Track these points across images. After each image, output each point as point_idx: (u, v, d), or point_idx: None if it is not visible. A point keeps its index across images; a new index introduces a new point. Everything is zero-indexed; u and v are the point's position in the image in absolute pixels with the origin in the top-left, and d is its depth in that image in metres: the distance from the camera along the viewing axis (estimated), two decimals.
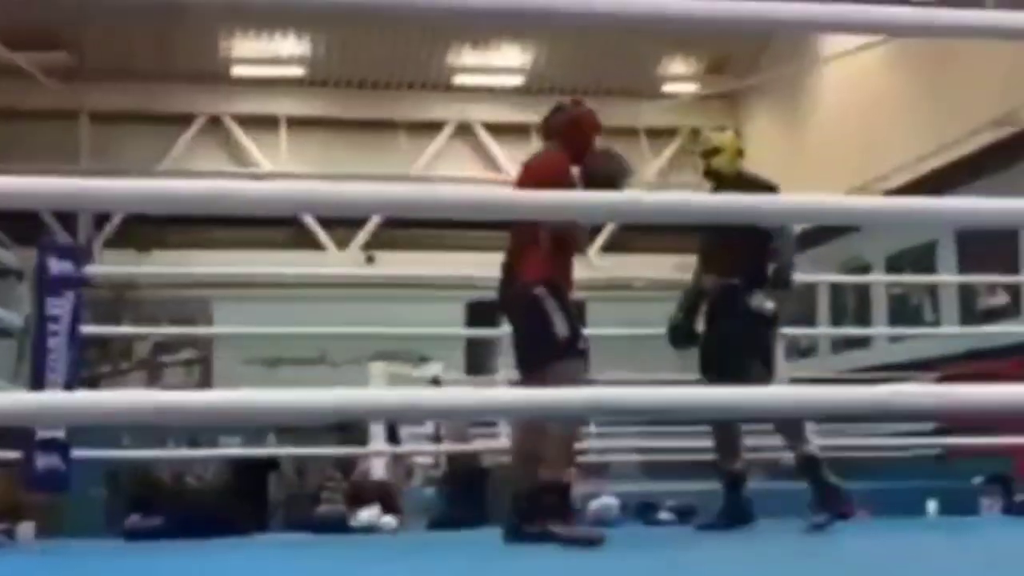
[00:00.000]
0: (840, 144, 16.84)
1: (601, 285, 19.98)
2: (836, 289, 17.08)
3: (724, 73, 20.53)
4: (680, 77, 21.36)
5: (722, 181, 6.77)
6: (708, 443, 6.95)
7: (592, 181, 5.73)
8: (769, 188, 6.65)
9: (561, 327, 5.68)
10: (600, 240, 21.12)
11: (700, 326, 6.90)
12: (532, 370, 5.74)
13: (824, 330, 16.46)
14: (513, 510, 5.89)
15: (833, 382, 10.94)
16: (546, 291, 5.71)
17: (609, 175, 5.76)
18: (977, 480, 8.66)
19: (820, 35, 16.09)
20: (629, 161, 5.98)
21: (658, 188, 20.14)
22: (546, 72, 20.79)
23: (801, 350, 17.01)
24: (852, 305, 17.03)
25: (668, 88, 21.31)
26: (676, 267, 20.33)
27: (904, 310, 15.49)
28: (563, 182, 5.61)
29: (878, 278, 15.48)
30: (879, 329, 15.78)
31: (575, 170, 5.81)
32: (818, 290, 16.68)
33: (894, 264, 15.54)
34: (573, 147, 5.86)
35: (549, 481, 5.61)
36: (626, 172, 5.88)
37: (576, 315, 5.90)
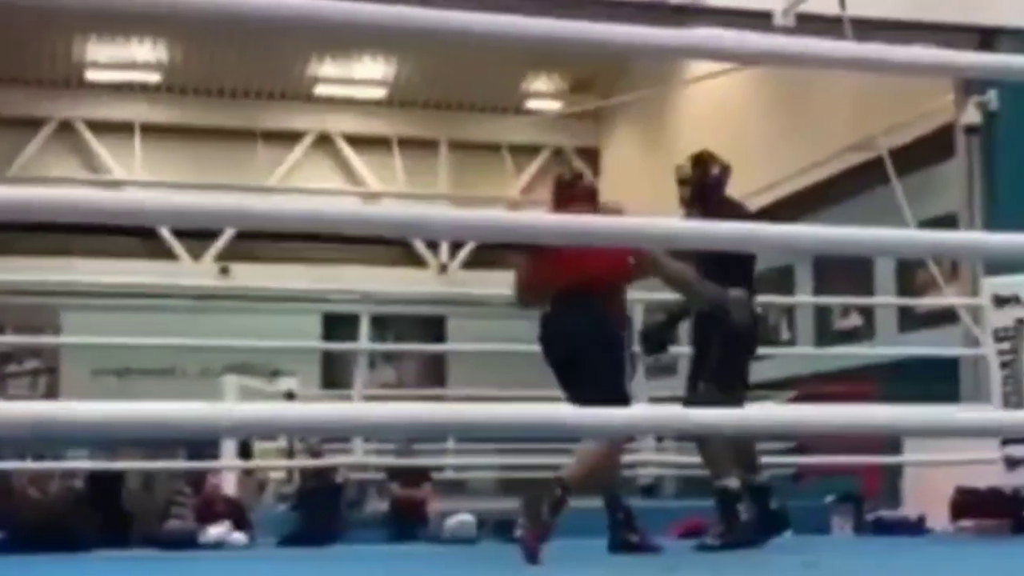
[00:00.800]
0: None
1: (460, 301, 19.99)
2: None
3: (588, 92, 20.68)
4: (544, 94, 21.47)
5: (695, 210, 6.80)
6: (563, 460, 6.89)
7: None
8: (750, 213, 6.87)
9: (626, 382, 5.77)
10: (461, 255, 21.11)
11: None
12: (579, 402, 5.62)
13: (686, 349, 16.64)
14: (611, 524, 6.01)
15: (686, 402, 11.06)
16: (623, 339, 5.83)
17: None
18: (829, 499, 8.80)
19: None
20: None
21: (521, 206, 20.19)
22: (409, 85, 20.72)
23: (663, 368, 17.16)
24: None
25: (532, 105, 21.40)
26: None
27: (762, 330, 15.73)
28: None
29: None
30: None
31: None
32: None
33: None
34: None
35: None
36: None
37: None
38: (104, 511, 8.08)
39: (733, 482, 6.47)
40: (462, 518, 8.68)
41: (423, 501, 9.88)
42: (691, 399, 6.49)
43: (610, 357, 5.80)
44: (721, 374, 6.56)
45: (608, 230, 3.14)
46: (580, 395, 5.72)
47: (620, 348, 5.93)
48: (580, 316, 5.79)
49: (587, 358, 5.79)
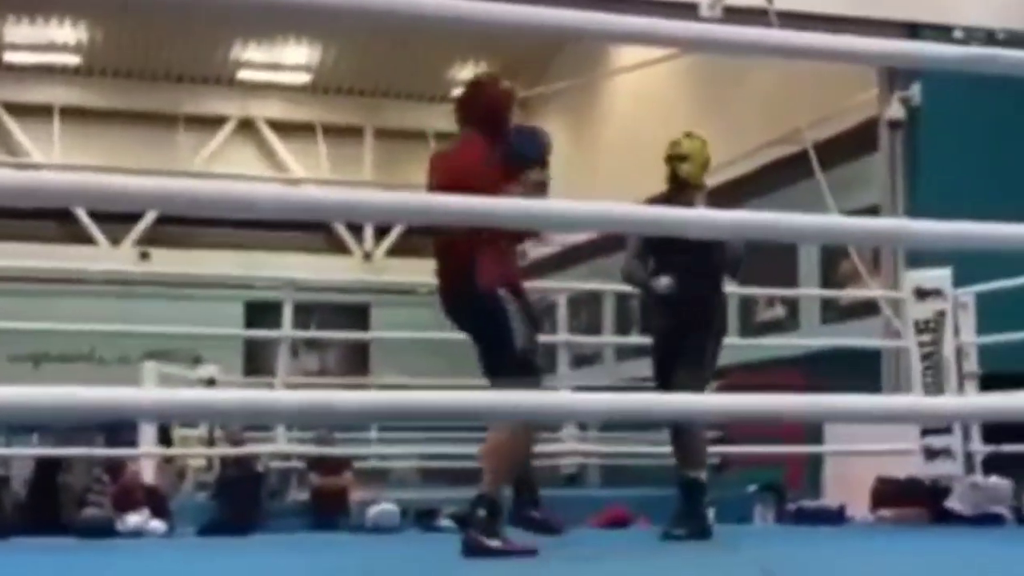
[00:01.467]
0: (631, 154, 17.09)
1: (385, 289, 19.90)
2: (621, 298, 17.32)
3: (515, 79, 20.62)
4: None
5: (688, 190, 6.56)
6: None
7: (515, 159, 5.47)
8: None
9: (519, 339, 5.30)
10: (385, 243, 21.00)
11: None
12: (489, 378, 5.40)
13: (609, 338, 16.66)
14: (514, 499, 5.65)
15: (617, 390, 11.09)
16: (508, 294, 5.36)
17: (535, 152, 5.55)
18: (751, 488, 8.85)
19: (612, 45, 16.32)
20: (543, 134, 5.71)
21: None
22: (334, 71, 20.56)
23: (586, 358, 17.21)
24: (638, 314, 17.30)
25: (458, 92, 21.31)
26: None
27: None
28: (485, 171, 5.31)
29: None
30: None
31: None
32: (604, 299, 16.88)
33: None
34: (491, 129, 5.54)
35: (483, 495, 5.21)
36: (548, 144, 5.64)
37: (535, 320, 5.58)
38: (38, 498, 7.98)
39: (703, 475, 6.35)
40: (384, 507, 8.64)
41: (344, 490, 9.81)
42: (682, 386, 6.17)
43: None
44: (711, 362, 6.46)
45: (542, 214, 3.09)
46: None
47: None
48: None
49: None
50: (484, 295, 5.32)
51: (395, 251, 20.81)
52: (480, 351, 5.51)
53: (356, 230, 20.94)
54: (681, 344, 6.41)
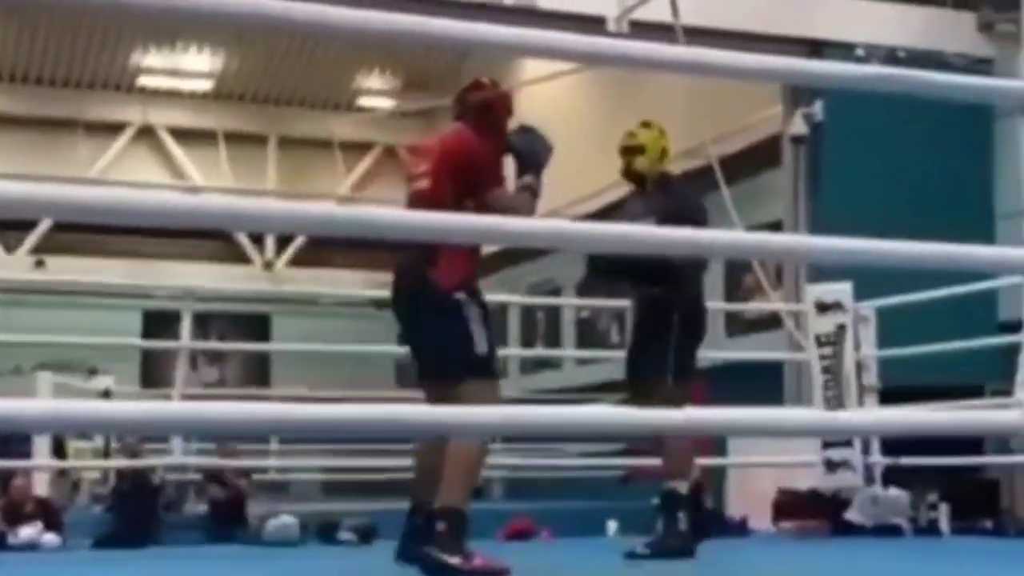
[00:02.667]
0: None
1: (287, 299, 19.70)
2: (527, 311, 17.31)
3: (422, 90, 20.56)
4: (377, 91, 21.28)
5: (644, 184, 6.28)
6: (390, 462, 6.73)
7: (517, 159, 5.27)
8: (697, 203, 6.28)
9: (481, 343, 5.04)
10: (287, 253, 20.80)
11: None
12: (440, 384, 5.06)
13: (514, 351, 16.64)
14: (408, 529, 5.21)
15: (521, 403, 11.07)
16: (468, 298, 5.08)
17: (534, 153, 5.31)
18: (655, 501, 8.86)
19: (518, 58, 16.33)
20: (545, 138, 5.42)
21: (351, 203, 19.96)
22: (237, 78, 20.32)
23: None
24: (542, 327, 17.32)
25: (364, 102, 21.20)
26: (366, 284, 20.24)
27: (592, 333, 15.83)
28: (479, 162, 5.10)
29: (567, 301, 15.75)
30: (567, 351, 16.05)
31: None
32: (509, 312, 16.87)
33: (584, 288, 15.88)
34: (486, 129, 5.27)
35: (445, 507, 4.83)
36: (549, 149, 5.36)
37: (493, 326, 5.27)
38: None
39: (683, 487, 6.00)
40: (284, 520, 8.52)
41: (242, 503, 9.66)
42: (642, 395, 5.92)
43: None
44: (687, 367, 6.09)
45: (444, 226, 3.04)
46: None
47: None
48: None
49: None
50: (442, 297, 5.05)
51: (297, 261, 20.62)
52: (430, 357, 5.21)
53: (257, 239, 20.71)
54: (638, 348, 6.17)
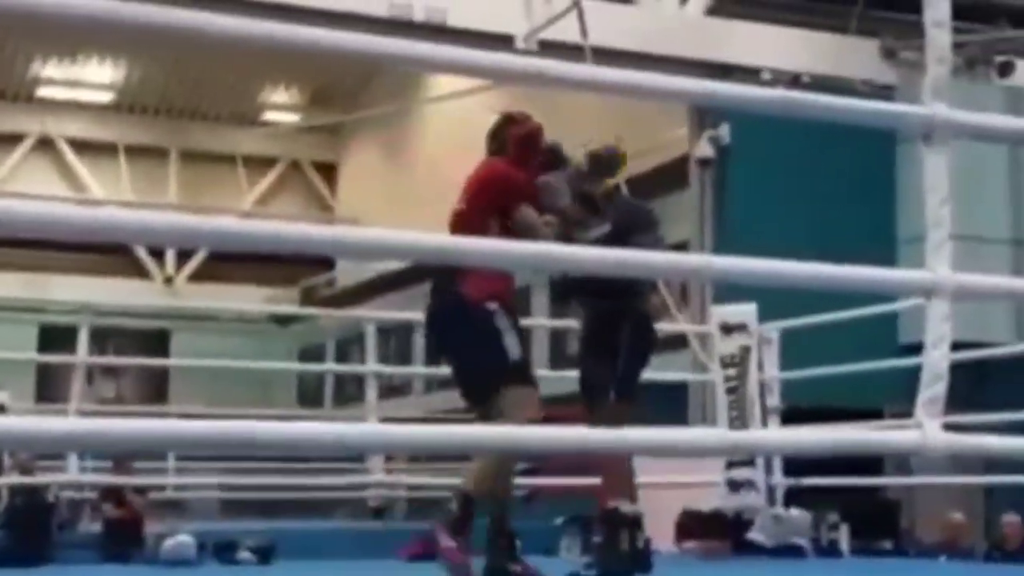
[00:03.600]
0: (443, 184, 17.00)
1: (186, 315, 19.42)
2: None
3: (328, 106, 20.45)
4: (282, 106, 21.12)
5: (595, 199, 6.04)
6: (290, 480, 6.61)
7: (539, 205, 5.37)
8: (647, 214, 6.18)
9: (515, 349, 5.07)
10: (188, 268, 20.53)
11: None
12: (482, 399, 5.11)
13: (418, 369, 16.57)
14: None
15: (424, 421, 10.97)
16: (499, 308, 5.11)
17: (556, 203, 5.47)
18: (558, 521, 8.83)
19: (427, 74, 16.28)
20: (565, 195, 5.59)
21: (256, 217, 19.75)
22: (139, 91, 20.05)
23: (395, 388, 17.08)
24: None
25: (269, 116, 21.02)
26: (267, 299, 20.08)
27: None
28: (512, 185, 5.26)
29: None
30: None
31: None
32: (414, 329, 16.77)
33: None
34: (523, 160, 5.43)
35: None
36: (563, 203, 5.55)
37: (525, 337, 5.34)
38: None
39: (626, 505, 5.91)
40: (180, 539, 8.34)
41: (139, 521, 9.47)
42: (599, 414, 5.77)
43: None
44: (630, 383, 6.00)
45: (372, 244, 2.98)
46: None
47: None
48: None
49: None
50: (472, 310, 5.09)
51: (197, 276, 20.36)
52: (468, 370, 5.25)
53: (157, 254, 20.41)
54: (585, 362, 6.10)
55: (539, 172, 5.52)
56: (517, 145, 5.47)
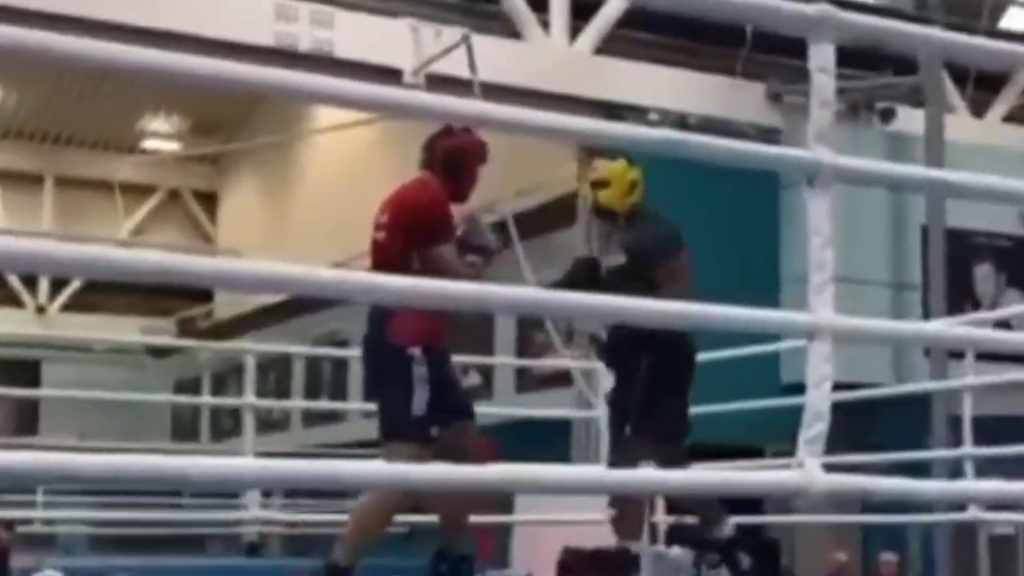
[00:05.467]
0: (326, 217, 16.91)
1: (59, 344, 18.97)
2: (312, 363, 17.04)
3: (210, 135, 20.21)
4: (162, 134, 20.83)
5: (614, 219, 6.00)
6: (160, 515, 6.46)
7: (464, 245, 5.10)
8: (670, 231, 6.00)
9: (420, 405, 4.81)
10: (62, 297, 20.09)
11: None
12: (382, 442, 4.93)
13: (297, 403, 16.38)
14: None
15: (302, 456, 10.81)
16: (422, 354, 4.84)
17: (485, 244, 5.22)
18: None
19: (310, 106, 16.17)
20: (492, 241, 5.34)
21: (134, 247, 19.41)
22: (14, 115, 19.62)
23: (273, 423, 16.85)
24: (328, 379, 17.05)
25: (148, 144, 20.71)
26: (143, 330, 19.70)
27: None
28: (435, 216, 4.94)
29: (355, 353, 15.62)
30: (352, 404, 15.85)
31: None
32: (293, 363, 16.60)
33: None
34: (453, 178, 5.13)
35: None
36: (492, 247, 5.29)
37: (453, 382, 5.09)
38: None
39: (728, 529, 5.89)
40: (48, 574, 8.15)
41: (5, 555, 9.21)
42: (619, 457, 5.69)
43: None
44: (656, 418, 5.83)
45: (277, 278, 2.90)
46: None
47: None
48: None
49: None
50: (392, 353, 4.86)
51: (71, 306, 19.95)
52: (379, 413, 5.05)
53: (30, 282, 19.95)
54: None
55: (469, 189, 5.24)
56: (445, 158, 5.16)
